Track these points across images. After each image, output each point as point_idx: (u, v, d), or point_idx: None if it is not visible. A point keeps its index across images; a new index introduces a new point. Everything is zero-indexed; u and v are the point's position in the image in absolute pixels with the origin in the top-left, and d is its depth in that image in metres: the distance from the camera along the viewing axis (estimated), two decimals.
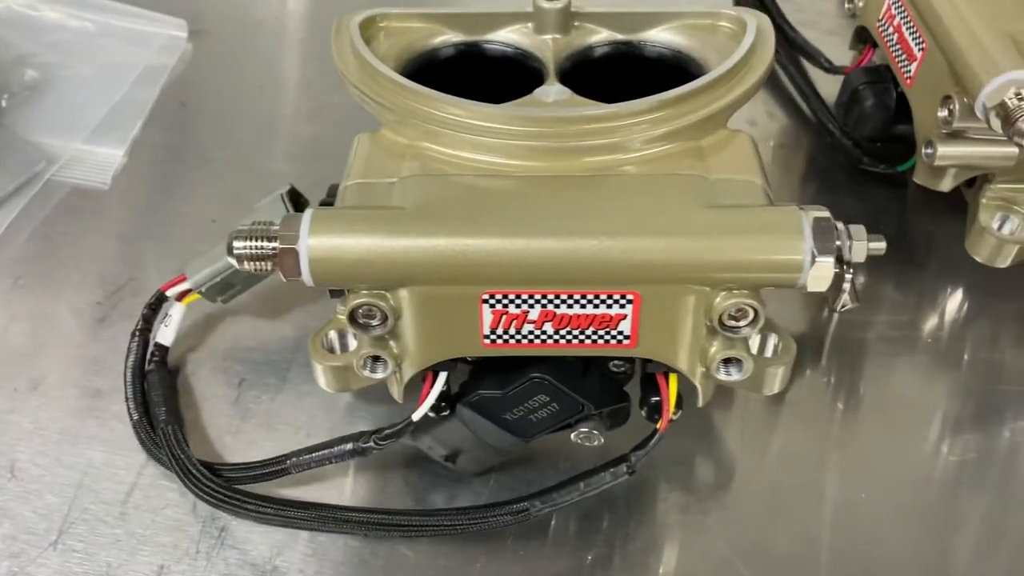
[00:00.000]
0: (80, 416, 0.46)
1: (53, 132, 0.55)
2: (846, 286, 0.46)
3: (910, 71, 0.51)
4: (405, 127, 0.38)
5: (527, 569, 0.41)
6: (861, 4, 0.57)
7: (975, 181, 0.51)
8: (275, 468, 0.41)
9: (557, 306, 0.36)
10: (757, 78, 0.40)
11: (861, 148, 0.56)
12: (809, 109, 0.60)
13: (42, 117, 0.55)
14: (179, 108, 0.59)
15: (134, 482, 0.44)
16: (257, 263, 0.35)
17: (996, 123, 0.43)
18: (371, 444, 0.40)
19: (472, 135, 0.37)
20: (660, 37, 0.43)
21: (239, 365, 0.48)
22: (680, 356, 0.37)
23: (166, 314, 0.46)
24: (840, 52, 0.61)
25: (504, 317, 0.36)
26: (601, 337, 0.37)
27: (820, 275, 0.34)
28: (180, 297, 0.46)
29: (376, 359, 0.38)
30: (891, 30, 0.53)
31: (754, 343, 0.41)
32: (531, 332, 0.36)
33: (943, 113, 0.47)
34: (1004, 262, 0.50)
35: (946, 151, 0.48)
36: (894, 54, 0.53)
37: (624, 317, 0.36)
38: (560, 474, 0.43)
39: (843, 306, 0.47)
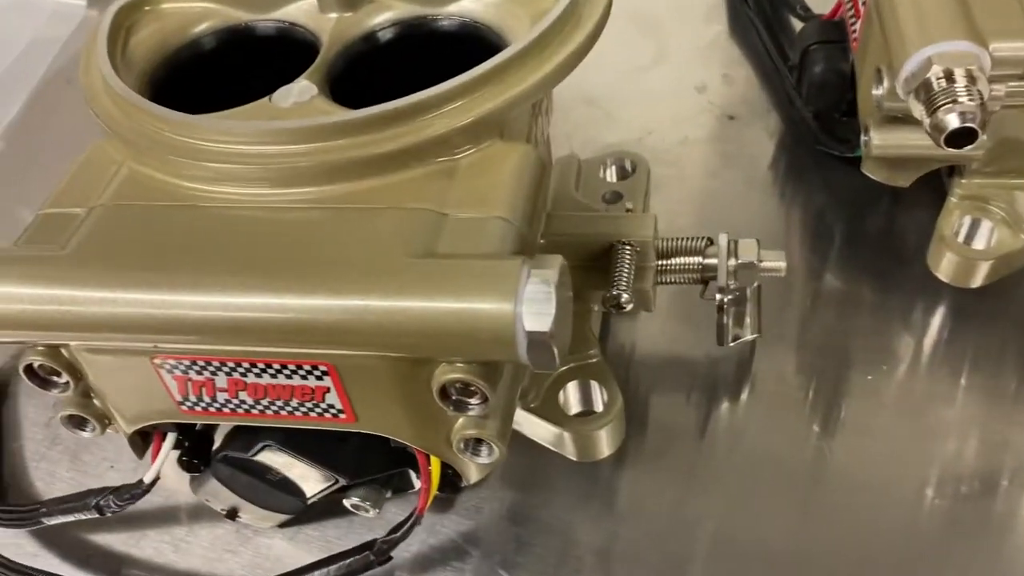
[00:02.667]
0: None
1: None
2: (729, 320, 0.37)
3: (856, 29, 0.39)
4: (116, 140, 0.32)
5: None
6: None
7: (953, 171, 0.39)
8: (28, 516, 0.37)
9: (244, 374, 0.29)
10: (550, 69, 0.30)
11: (820, 124, 0.44)
12: (771, 68, 0.48)
13: None
14: (65, 85, 0.54)
15: None
16: None
17: (918, 108, 0.32)
18: (110, 503, 0.35)
19: (173, 155, 0.30)
20: (465, 8, 0.34)
21: None
22: (417, 434, 0.30)
23: None
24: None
25: (190, 384, 0.29)
26: (311, 410, 0.29)
27: (539, 352, 0.25)
28: None
29: (77, 419, 0.32)
30: None
31: (573, 398, 0.33)
32: (228, 401, 0.30)
33: (876, 91, 0.36)
34: (975, 281, 0.38)
35: (883, 139, 0.37)
36: (844, 5, 0.41)
37: (327, 389, 0.29)
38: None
39: (735, 339, 0.38)
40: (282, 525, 0.38)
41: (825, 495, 0.37)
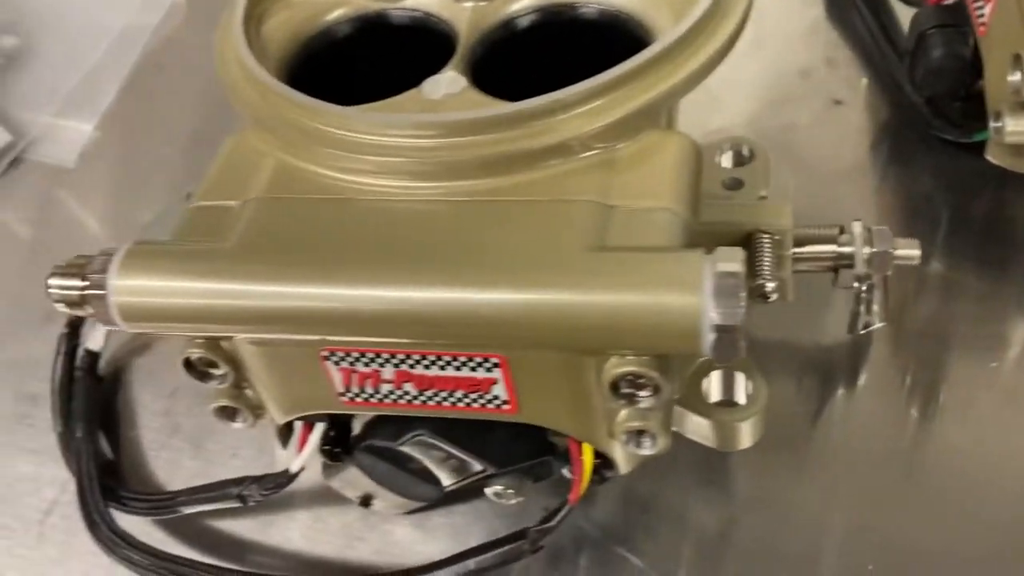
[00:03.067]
0: (11, 424, 0.43)
1: (26, 105, 0.52)
2: (863, 308, 0.37)
3: (984, 14, 0.39)
4: (263, 131, 0.32)
5: None
6: None
7: None
8: (165, 505, 0.38)
9: (412, 366, 0.29)
10: (706, 57, 0.30)
11: (933, 109, 0.44)
12: (879, 55, 0.48)
13: (18, 88, 0.52)
14: (157, 72, 0.54)
15: (56, 499, 0.41)
16: (73, 306, 0.31)
17: None
18: (253, 493, 0.35)
19: (327, 147, 0.30)
20: None
21: (174, 372, 0.43)
22: (578, 425, 0.30)
23: None
24: None
25: (355, 375, 0.30)
26: (475, 401, 0.30)
27: (725, 345, 0.25)
28: None
29: (229, 410, 0.32)
30: None
31: (716, 388, 0.33)
32: (392, 392, 0.30)
33: (1014, 77, 0.35)
34: None
35: (1019, 125, 0.36)
36: None
37: (495, 381, 0.29)
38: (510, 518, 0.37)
39: (866, 327, 0.38)
40: (409, 512, 0.38)
41: (945, 489, 0.37)
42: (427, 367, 0.29)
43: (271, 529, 0.39)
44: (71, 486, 0.41)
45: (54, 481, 0.42)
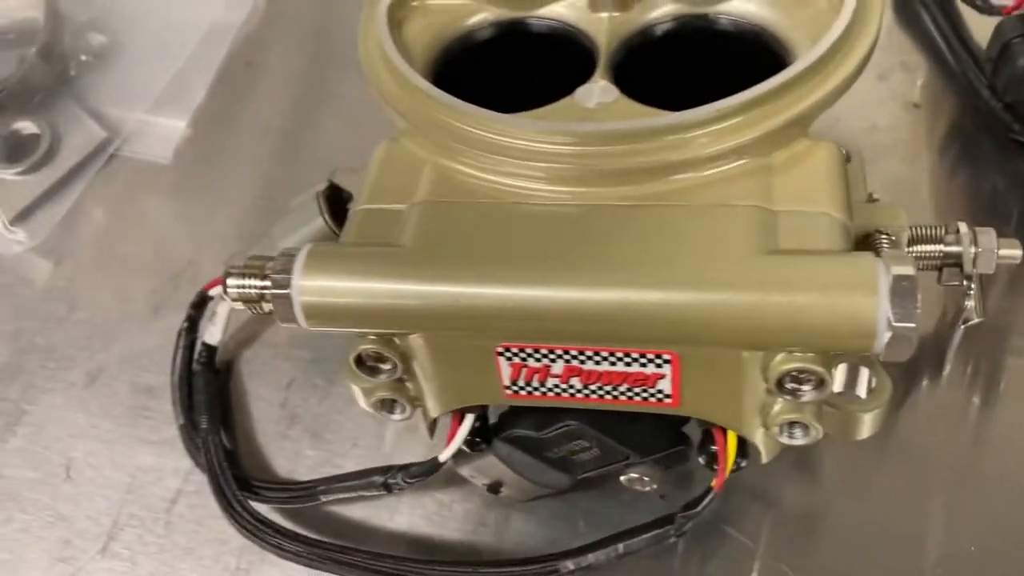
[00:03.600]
0: (132, 415, 0.45)
1: (118, 102, 0.53)
2: (969, 303, 0.39)
3: None
4: (423, 138, 0.34)
5: None
6: None
7: None
8: (305, 494, 0.39)
9: (583, 362, 0.31)
10: (852, 68, 0.32)
11: (1013, 114, 0.46)
12: (954, 61, 0.50)
13: (108, 85, 0.53)
14: (244, 69, 0.55)
15: (180, 488, 0.43)
16: (252, 304, 0.32)
17: None
18: (399, 481, 0.37)
19: (494, 154, 0.32)
20: (739, 8, 0.36)
21: (288, 364, 0.45)
22: (733, 416, 0.32)
23: (212, 312, 0.45)
24: None
25: (524, 370, 0.31)
26: (637, 394, 0.32)
27: (899, 346, 0.27)
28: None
29: (392, 402, 0.34)
30: None
31: (841, 380, 0.35)
32: (557, 386, 0.32)
33: None
34: None
35: None
36: None
37: (662, 376, 0.31)
38: (621, 507, 0.39)
39: (966, 321, 0.40)
40: (530, 499, 0.40)
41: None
42: (598, 363, 0.31)
43: (397, 517, 0.41)
44: (194, 476, 0.43)
45: (177, 471, 0.43)
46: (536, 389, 0.32)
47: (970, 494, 0.39)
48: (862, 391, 0.35)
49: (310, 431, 0.43)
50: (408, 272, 0.30)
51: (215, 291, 0.44)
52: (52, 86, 0.53)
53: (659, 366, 0.30)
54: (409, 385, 0.34)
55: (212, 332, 0.44)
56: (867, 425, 0.35)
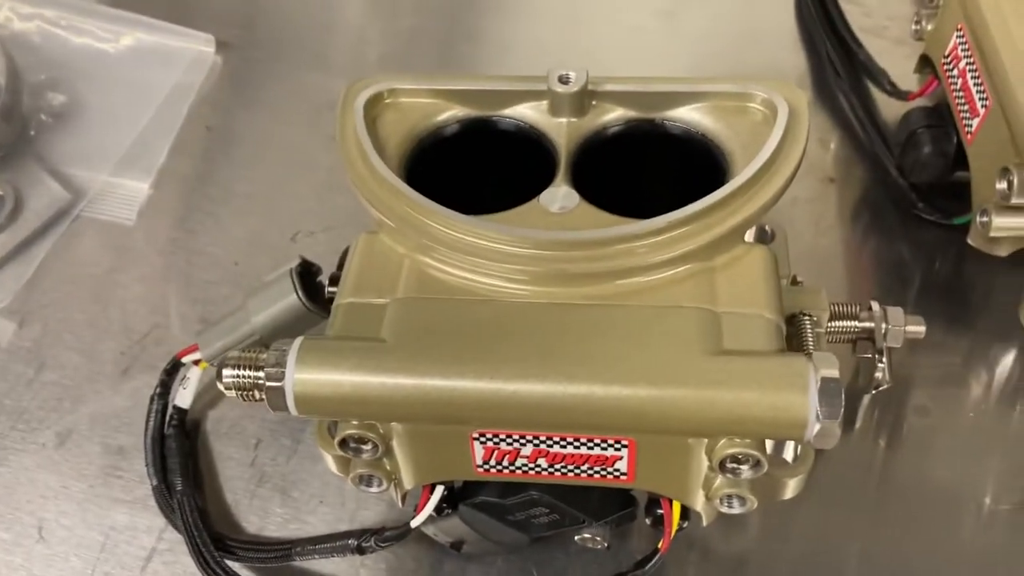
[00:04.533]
0: (103, 475, 0.47)
1: (79, 162, 0.54)
2: (879, 374, 0.44)
3: (971, 126, 0.47)
4: (402, 235, 0.37)
5: None
6: (929, 28, 0.52)
7: None
8: (281, 553, 0.42)
9: (550, 446, 0.34)
10: (784, 180, 0.36)
11: (917, 192, 0.52)
12: (867, 141, 0.55)
13: (69, 146, 0.55)
14: (205, 132, 0.57)
15: (153, 547, 0.45)
16: (245, 392, 0.35)
17: None
18: (371, 544, 0.40)
19: (465, 254, 0.35)
20: (684, 116, 0.40)
21: (255, 425, 0.48)
22: (680, 490, 0.36)
23: (184, 376, 0.47)
24: (909, 65, 0.56)
25: (496, 452, 0.35)
26: (597, 472, 0.35)
27: (826, 436, 0.32)
28: (197, 362, 0.46)
29: (370, 478, 0.37)
30: (956, 73, 0.48)
31: (769, 445, 0.40)
32: (525, 465, 0.35)
33: (1002, 185, 0.43)
34: None
35: (1003, 223, 0.44)
36: (957, 101, 0.48)
37: (620, 458, 0.34)
38: (569, 557, 0.43)
39: (877, 387, 0.45)
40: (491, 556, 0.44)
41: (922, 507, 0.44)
42: (563, 447, 0.34)
43: (363, 570, 0.44)
44: (167, 534, 0.45)
45: (150, 529, 0.45)
46: (506, 468, 0.36)
47: (880, 534, 0.44)
48: (789, 457, 0.40)
49: (279, 488, 0.46)
50: (390, 367, 0.33)
51: (187, 359, 0.46)
52: (13, 146, 0.54)
53: (618, 450, 0.34)
54: (386, 462, 0.37)
55: (184, 396, 0.47)
56: (791, 488, 0.39)
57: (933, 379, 0.49)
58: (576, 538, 0.40)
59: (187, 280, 0.53)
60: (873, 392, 0.45)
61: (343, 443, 0.35)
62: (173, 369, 0.47)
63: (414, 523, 0.39)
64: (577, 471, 0.35)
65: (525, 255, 0.35)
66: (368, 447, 0.35)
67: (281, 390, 0.33)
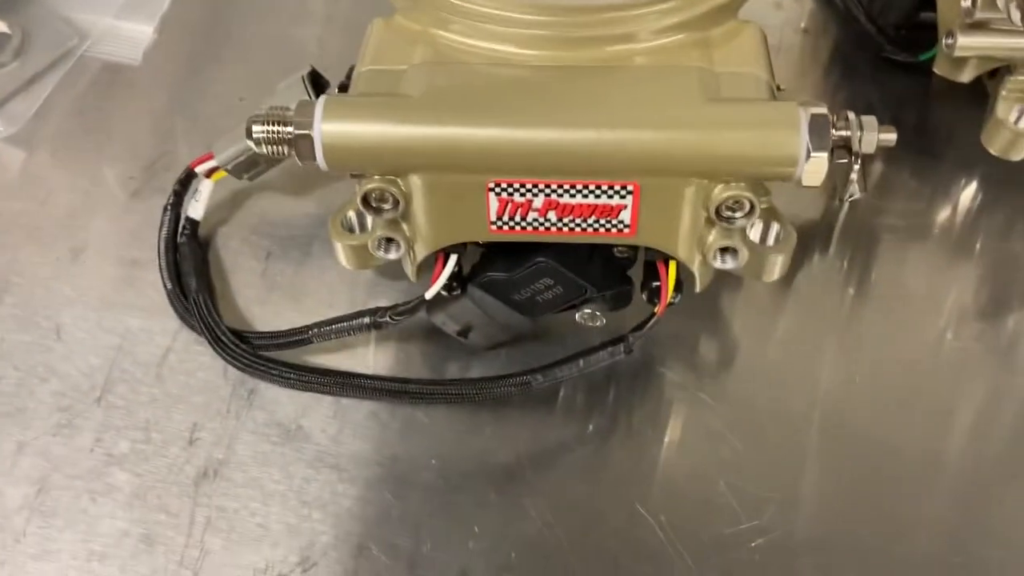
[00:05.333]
0: (118, 284, 0.49)
1: (84, 7, 0.56)
2: (854, 176, 0.47)
3: None
4: (418, 13, 0.39)
5: (533, 435, 0.44)
6: None
7: (996, 72, 0.51)
8: (298, 337, 0.44)
9: (560, 195, 0.37)
10: None
11: (884, 35, 0.55)
12: None
13: None
14: None
15: (169, 346, 0.47)
16: (274, 147, 0.37)
17: (1016, 15, 0.43)
18: (386, 319, 0.43)
19: (483, 23, 0.38)
20: None
21: (265, 239, 0.50)
22: (678, 244, 0.39)
23: (196, 189, 0.49)
24: None
25: (510, 205, 0.38)
26: (602, 226, 0.38)
27: (815, 170, 0.35)
28: (208, 174, 0.48)
29: (389, 240, 0.40)
30: None
31: (756, 232, 0.43)
32: (535, 220, 0.38)
33: (966, 3, 0.46)
34: (1018, 155, 0.50)
35: (966, 42, 0.48)
36: None
37: (624, 207, 0.37)
38: (566, 351, 0.46)
39: (851, 196, 0.48)
40: (490, 347, 0.46)
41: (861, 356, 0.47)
42: (572, 196, 0.37)
43: (368, 359, 0.46)
44: (182, 335, 0.47)
45: (165, 331, 0.47)
46: (517, 224, 0.38)
47: (853, 337, 0.48)
48: (772, 241, 0.43)
49: (289, 296, 0.48)
50: (413, 118, 0.36)
51: (200, 168, 0.48)
52: None
53: (623, 197, 0.37)
54: (404, 227, 0.39)
55: (196, 208, 0.49)
56: (778, 267, 0.42)
57: (904, 206, 0.53)
58: (577, 316, 0.43)
59: (194, 114, 0.54)
60: (848, 200, 0.49)
61: (365, 200, 0.38)
62: (186, 180, 0.49)
63: (428, 293, 0.41)
64: (584, 225, 0.38)
65: (535, 20, 0.38)
66: (388, 205, 0.38)
67: (310, 139, 0.36)
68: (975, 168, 0.54)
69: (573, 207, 0.37)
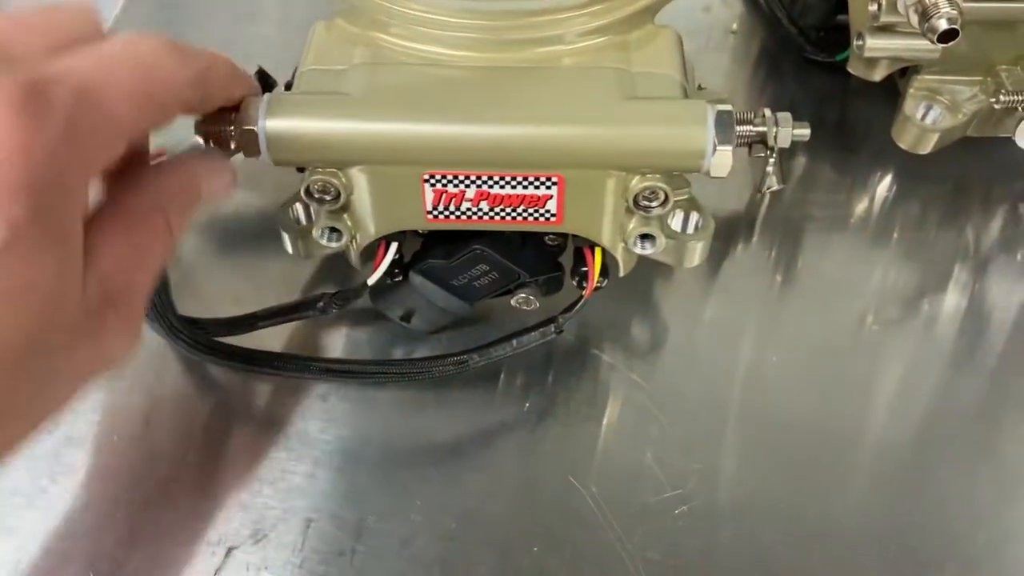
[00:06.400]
0: None
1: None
2: (770, 168, 0.50)
3: None
4: (357, 16, 0.42)
5: (474, 414, 0.47)
6: None
7: (906, 71, 0.54)
8: (248, 323, 0.47)
9: (490, 186, 0.40)
10: None
11: (805, 36, 0.59)
12: None
13: None
14: None
15: None
16: (221, 143, 0.39)
17: (914, 18, 0.46)
18: (331, 305, 0.45)
19: (418, 27, 0.40)
20: None
21: (218, 231, 0.52)
22: (602, 232, 0.42)
23: None
24: None
25: (444, 195, 0.40)
26: (531, 214, 0.41)
27: (721, 162, 0.38)
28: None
29: (333, 230, 0.42)
30: None
31: (677, 221, 0.46)
32: (469, 209, 0.41)
33: (872, 7, 0.50)
34: (926, 149, 0.54)
35: (874, 44, 0.51)
36: None
37: (550, 197, 0.40)
38: (503, 333, 0.49)
39: (768, 188, 0.52)
40: (431, 332, 0.49)
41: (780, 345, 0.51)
42: (502, 187, 0.40)
43: (316, 343, 0.49)
44: None
45: None
46: (452, 213, 0.41)
47: (775, 321, 0.51)
48: (691, 229, 0.46)
49: (241, 284, 0.51)
50: (355, 113, 0.38)
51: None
52: None
53: (548, 188, 0.40)
54: (347, 217, 0.42)
55: None
56: (698, 253, 0.45)
57: (825, 197, 0.56)
58: (512, 301, 0.46)
59: None
60: (767, 191, 0.52)
61: (308, 192, 0.40)
62: None
63: (371, 279, 0.44)
64: (514, 214, 0.41)
65: (466, 24, 0.40)
66: (331, 196, 0.40)
67: (255, 134, 0.38)
68: (890, 161, 0.57)
69: (503, 197, 0.40)
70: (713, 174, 0.39)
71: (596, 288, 0.44)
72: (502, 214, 0.41)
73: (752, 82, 0.61)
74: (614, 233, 0.42)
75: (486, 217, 0.41)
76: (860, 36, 0.52)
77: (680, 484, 0.44)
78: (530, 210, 0.41)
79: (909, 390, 0.48)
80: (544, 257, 0.45)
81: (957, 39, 0.46)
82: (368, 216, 0.42)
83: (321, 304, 0.45)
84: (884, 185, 0.58)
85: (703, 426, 0.47)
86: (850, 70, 0.54)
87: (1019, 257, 0.54)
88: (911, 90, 0.53)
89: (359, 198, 0.41)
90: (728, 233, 0.54)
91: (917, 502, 0.45)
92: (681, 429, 0.46)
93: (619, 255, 0.43)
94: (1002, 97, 0.52)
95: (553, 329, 0.45)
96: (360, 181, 0.40)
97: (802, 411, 0.47)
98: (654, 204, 0.40)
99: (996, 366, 0.50)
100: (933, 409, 0.48)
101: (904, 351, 0.50)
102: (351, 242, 0.43)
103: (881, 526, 0.44)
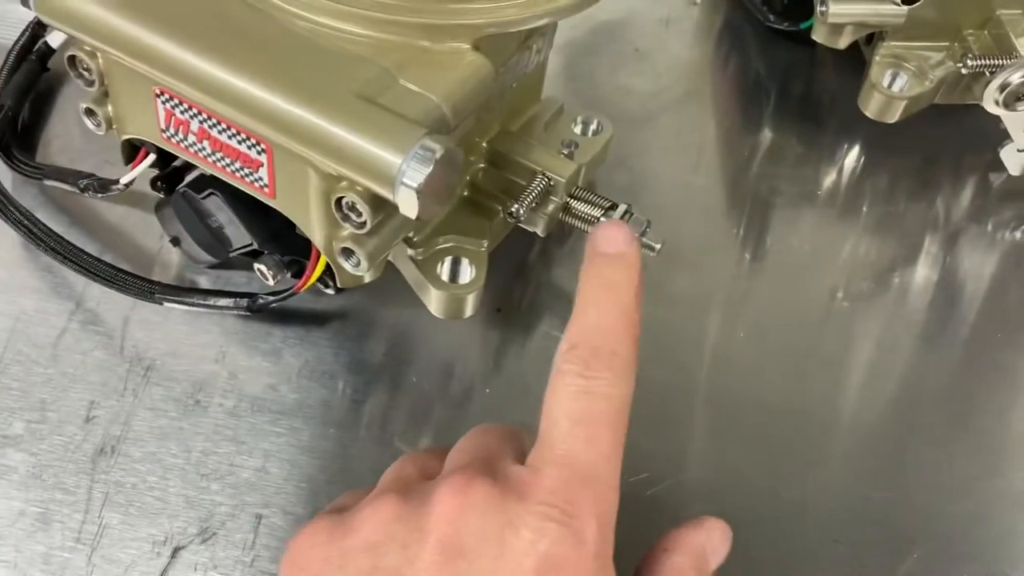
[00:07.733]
0: (10, 266, 0.48)
1: None
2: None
3: None
4: None
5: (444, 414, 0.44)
6: None
7: (872, 39, 0.53)
8: (35, 171, 0.49)
9: (210, 128, 0.38)
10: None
11: (768, 5, 0.57)
12: None
13: None
14: None
15: (64, 327, 0.46)
16: None
17: None
18: (89, 186, 0.45)
19: None
20: None
21: None
22: (312, 228, 0.38)
23: None
24: None
25: (173, 119, 0.39)
26: (247, 176, 0.39)
27: (407, 201, 0.33)
28: None
29: (90, 112, 0.42)
30: None
31: (446, 270, 0.42)
32: (194, 144, 0.39)
33: None
34: (893, 117, 0.51)
35: (838, 9, 0.48)
36: None
37: (262, 164, 0.38)
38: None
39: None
40: (208, 266, 0.47)
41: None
42: (220, 132, 0.38)
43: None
44: (78, 315, 0.46)
45: (60, 312, 0.46)
46: (182, 141, 0.39)
47: (744, 296, 0.48)
48: (464, 279, 0.42)
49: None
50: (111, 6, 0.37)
51: None
52: None
53: (259, 153, 0.37)
54: (109, 106, 0.41)
55: (57, 37, 0.52)
56: (470, 305, 0.42)
57: (792, 172, 0.53)
58: (255, 266, 0.43)
59: None
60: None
61: (71, 63, 0.40)
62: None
63: (123, 179, 0.44)
64: (232, 167, 0.39)
65: None
66: (89, 76, 0.40)
67: None
68: (858, 133, 0.54)
69: (222, 144, 0.38)
70: (401, 210, 0.34)
71: (341, 292, 0.43)
72: (223, 163, 0.39)
73: (716, 55, 0.58)
74: (327, 239, 0.38)
75: (210, 160, 0.39)
76: (823, 2, 0.50)
77: (649, 466, 0.42)
78: (246, 170, 0.38)
79: (881, 365, 0.45)
80: (290, 238, 0.41)
81: (923, 1, 0.44)
82: (119, 113, 0.41)
83: (87, 183, 0.45)
84: (852, 157, 0.55)
85: (671, 405, 0.44)
86: (815, 38, 0.51)
87: (990, 227, 0.51)
88: (877, 57, 0.51)
89: (114, 89, 0.40)
90: (699, 209, 0.52)
91: (892, 478, 0.42)
92: (648, 409, 0.44)
93: (336, 268, 0.39)
94: (969, 62, 0.49)
95: (246, 304, 0.44)
96: (110, 70, 0.39)
97: (772, 388, 0.45)
98: (354, 217, 0.36)
99: (969, 338, 0.47)
100: (906, 384, 0.45)
101: (875, 326, 0.47)
102: (108, 132, 0.42)
103: (856, 503, 0.41)
